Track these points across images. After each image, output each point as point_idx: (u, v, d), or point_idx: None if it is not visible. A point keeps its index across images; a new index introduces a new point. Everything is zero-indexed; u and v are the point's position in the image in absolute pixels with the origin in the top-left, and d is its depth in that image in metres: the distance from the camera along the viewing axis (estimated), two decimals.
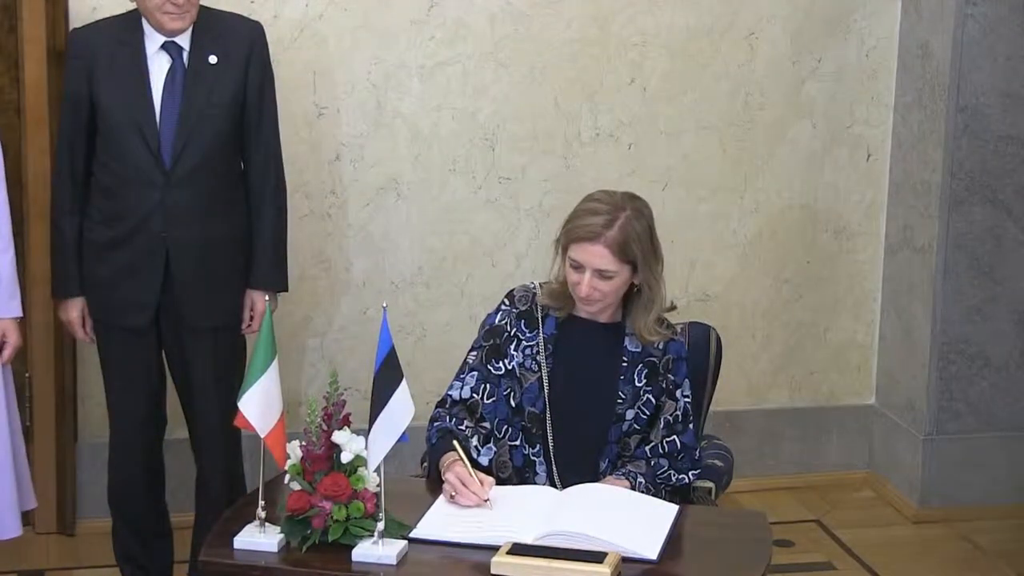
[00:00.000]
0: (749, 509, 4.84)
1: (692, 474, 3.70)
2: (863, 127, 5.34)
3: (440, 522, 3.33)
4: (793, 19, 5.20)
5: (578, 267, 3.58)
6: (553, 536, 3.22)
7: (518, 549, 3.16)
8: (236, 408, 3.24)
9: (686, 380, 3.71)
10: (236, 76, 4.14)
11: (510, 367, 3.69)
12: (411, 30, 4.94)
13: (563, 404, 3.67)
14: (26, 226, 4.70)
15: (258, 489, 3.30)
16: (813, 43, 5.24)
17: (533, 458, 3.67)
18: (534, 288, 3.74)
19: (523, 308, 3.71)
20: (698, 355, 3.95)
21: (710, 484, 3.76)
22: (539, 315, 3.69)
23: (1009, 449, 5.27)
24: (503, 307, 3.74)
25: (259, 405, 3.23)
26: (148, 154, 4.08)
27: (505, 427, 3.68)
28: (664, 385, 3.68)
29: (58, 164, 4.21)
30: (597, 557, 3.13)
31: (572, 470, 3.64)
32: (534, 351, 3.68)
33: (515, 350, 3.69)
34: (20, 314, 4.05)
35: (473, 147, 5.05)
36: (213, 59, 4.11)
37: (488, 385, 3.68)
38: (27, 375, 4.80)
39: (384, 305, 3.37)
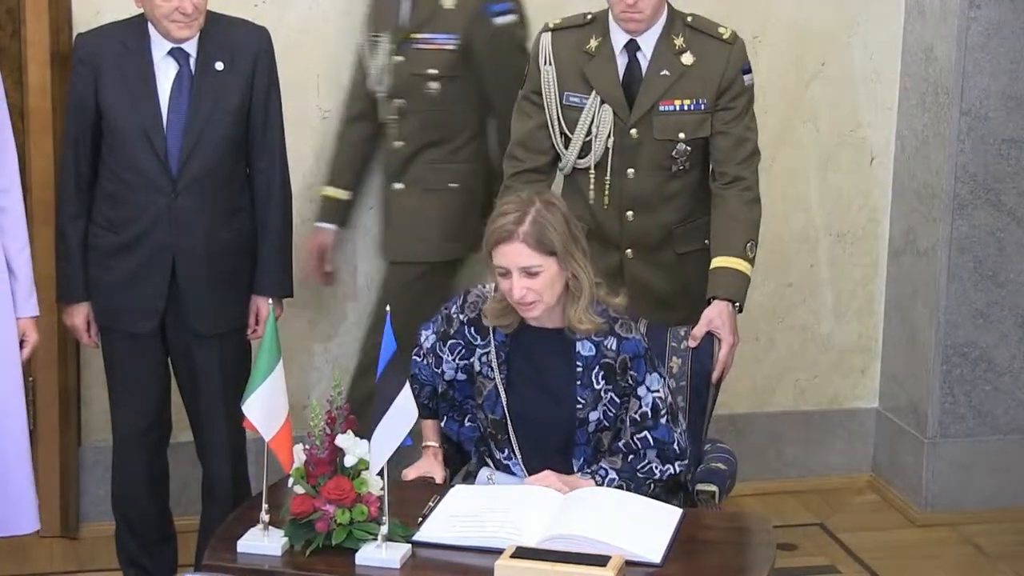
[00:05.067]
0: (752, 512, 4.84)
1: (680, 464, 3.66)
2: (866, 130, 5.34)
3: (444, 525, 3.33)
4: (796, 22, 5.20)
5: (505, 272, 3.56)
6: (557, 539, 3.22)
7: (522, 552, 3.16)
8: (242, 412, 3.24)
9: (650, 375, 3.65)
10: (242, 82, 4.14)
11: (447, 372, 3.72)
12: None
13: (523, 411, 3.67)
14: (30, 229, 4.69)
15: (262, 493, 3.31)
16: (816, 46, 5.23)
17: (506, 462, 3.68)
18: (488, 293, 3.71)
19: (472, 315, 3.70)
20: (702, 359, 3.95)
21: (713, 488, 3.77)
22: (488, 323, 3.69)
23: (1013, 452, 5.27)
24: (455, 315, 3.72)
25: (263, 409, 3.24)
26: (155, 160, 4.08)
27: (443, 412, 3.76)
28: (624, 385, 3.65)
29: (63, 169, 4.21)
30: (601, 560, 3.13)
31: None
32: (488, 358, 3.68)
33: (462, 353, 3.69)
34: (37, 313, 4.07)
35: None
36: (220, 65, 4.11)
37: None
38: (30, 379, 4.80)
39: (388, 309, 3.37)
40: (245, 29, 4.23)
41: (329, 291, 5.02)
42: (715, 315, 3.99)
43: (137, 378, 4.25)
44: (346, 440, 3.25)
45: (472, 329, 3.70)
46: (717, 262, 4.09)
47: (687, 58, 4.17)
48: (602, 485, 3.57)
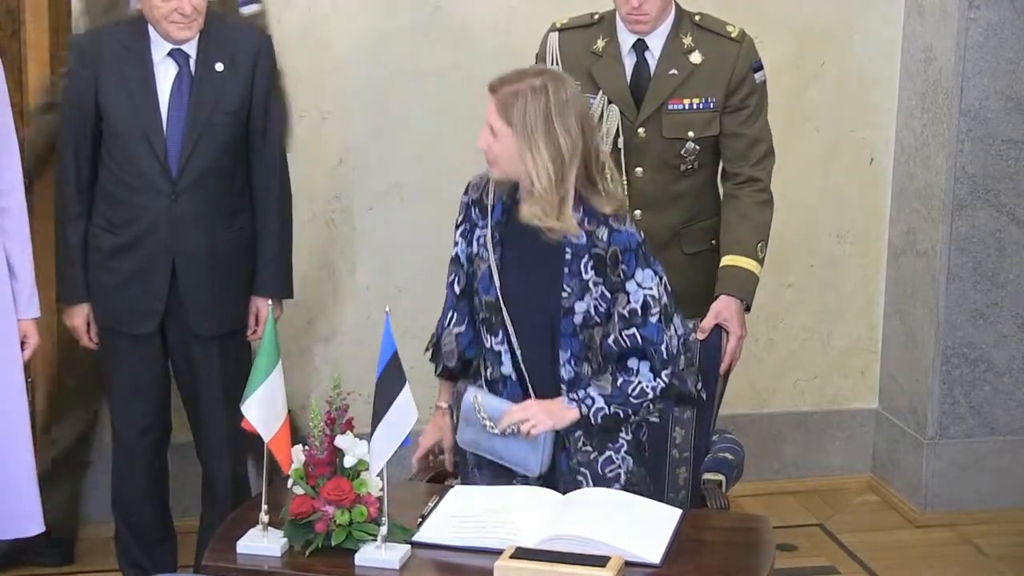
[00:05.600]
0: (752, 513, 4.84)
1: (666, 375, 3.58)
2: (866, 130, 5.34)
3: (443, 526, 3.33)
4: (796, 24, 5.20)
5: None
6: (556, 540, 3.22)
7: (521, 553, 3.16)
8: (241, 413, 3.25)
9: (642, 270, 3.57)
10: (242, 83, 4.13)
11: (453, 253, 3.70)
12: (415, 34, 4.94)
13: (515, 293, 3.62)
14: (30, 229, 4.70)
15: (261, 493, 3.31)
16: (816, 46, 5.24)
17: (497, 347, 3.65)
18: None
19: (475, 196, 3.70)
20: (710, 351, 3.95)
21: (721, 477, 3.78)
22: (488, 202, 3.66)
23: (1012, 453, 5.27)
24: (462, 199, 3.73)
25: (262, 410, 3.23)
26: (155, 162, 4.08)
27: (451, 313, 3.73)
28: (615, 280, 3.58)
29: (63, 170, 4.21)
30: (600, 561, 3.13)
31: (534, 361, 3.62)
32: (485, 239, 3.66)
33: (468, 238, 3.69)
34: (38, 314, 4.08)
35: (477, 151, 5.04)
36: (219, 66, 4.10)
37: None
38: (30, 379, 4.79)
39: (387, 309, 3.37)
40: (245, 30, 4.24)
41: (329, 291, 5.02)
42: (723, 308, 4.01)
43: (137, 379, 4.25)
44: (346, 441, 3.25)
45: (476, 209, 3.68)
46: (727, 260, 4.10)
47: (695, 57, 4.18)
48: (588, 416, 3.54)
